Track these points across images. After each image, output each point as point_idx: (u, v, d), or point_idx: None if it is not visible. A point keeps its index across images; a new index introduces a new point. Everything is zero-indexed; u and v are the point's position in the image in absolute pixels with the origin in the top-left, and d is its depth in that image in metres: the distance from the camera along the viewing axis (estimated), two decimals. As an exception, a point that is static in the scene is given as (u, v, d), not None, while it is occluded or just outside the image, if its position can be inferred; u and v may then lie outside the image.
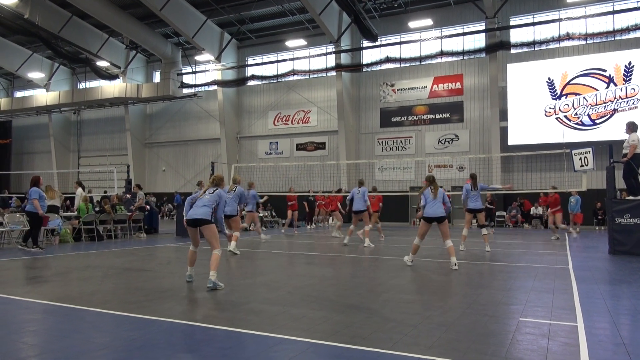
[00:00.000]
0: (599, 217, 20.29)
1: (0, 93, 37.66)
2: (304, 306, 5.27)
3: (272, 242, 13.74)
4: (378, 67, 25.87)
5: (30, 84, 35.17)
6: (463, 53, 23.74)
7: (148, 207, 16.84)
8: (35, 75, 33.22)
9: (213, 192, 6.73)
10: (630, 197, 11.01)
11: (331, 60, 26.15)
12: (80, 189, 15.22)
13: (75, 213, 14.34)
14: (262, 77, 28.01)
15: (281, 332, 4.18)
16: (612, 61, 20.96)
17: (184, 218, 6.66)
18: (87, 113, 35.27)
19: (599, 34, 21.37)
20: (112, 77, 30.83)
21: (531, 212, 21.93)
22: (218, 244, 6.57)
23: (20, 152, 37.70)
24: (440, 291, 6.38)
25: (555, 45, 22.40)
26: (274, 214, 23.86)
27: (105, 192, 21.52)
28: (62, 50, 28.95)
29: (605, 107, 20.96)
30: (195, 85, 29.79)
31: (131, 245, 12.61)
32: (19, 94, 37.31)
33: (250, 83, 28.84)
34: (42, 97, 33.40)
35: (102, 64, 30.00)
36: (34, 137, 36.88)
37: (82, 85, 34.14)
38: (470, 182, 11.30)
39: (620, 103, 20.68)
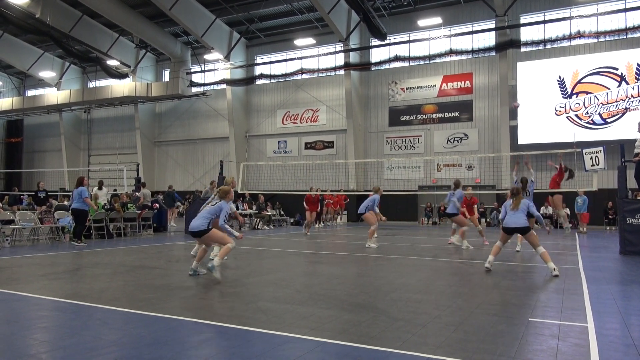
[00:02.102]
0: (610, 217, 20.09)
1: (12, 92, 38.06)
2: (311, 305, 5.27)
3: (280, 240, 13.74)
4: (387, 66, 25.79)
5: (42, 83, 35.54)
6: (472, 51, 23.59)
7: (157, 205, 16.92)
8: (47, 74, 33.54)
9: (215, 205, 7.16)
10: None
11: (340, 59, 26.11)
12: (97, 187, 15.41)
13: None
14: (270, 76, 28.04)
15: (289, 331, 4.18)
16: (624, 59, 20.73)
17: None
18: (97, 112, 35.55)
19: (611, 32, 21.13)
20: (122, 76, 31.04)
21: (540, 212, 21.74)
22: (226, 239, 6.93)
23: (31, 150, 38.10)
24: (448, 291, 6.35)
25: (566, 43, 22.19)
26: (282, 212, 23.91)
27: (115, 190, 21.66)
28: (72, 49, 29.19)
29: (616, 105, 20.74)
30: (205, 84, 29.90)
31: (140, 243, 12.69)
32: (30, 93, 37.69)
33: (259, 82, 28.89)
34: (53, 95, 33.73)
35: (112, 62, 30.21)
36: (45, 136, 37.24)
37: (92, 84, 34.40)
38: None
39: (632, 102, 20.45)
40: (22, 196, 23.30)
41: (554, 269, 7.42)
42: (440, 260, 9.51)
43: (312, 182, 23.97)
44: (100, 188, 15.64)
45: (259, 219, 20.24)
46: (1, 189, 32.36)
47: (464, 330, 4.29)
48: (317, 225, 21.57)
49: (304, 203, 17.43)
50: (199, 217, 7.05)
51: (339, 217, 24.04)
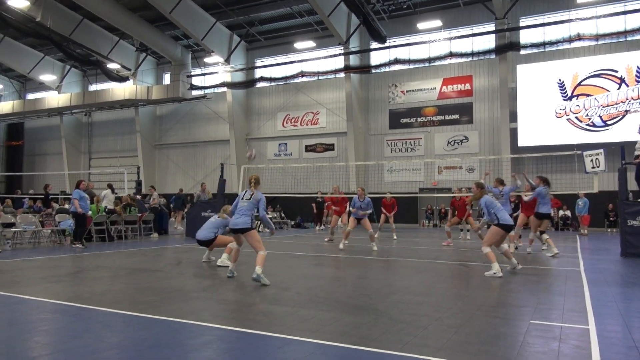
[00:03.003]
0: (611, 219, 20.08)
1: (12, 95, 38.10)
2: (312, 307, 5.27)
3: (282, 243, 13.74)
4: (387, 69, 25.81)
5: (42, 86, 35.58)
6: (472, 54, 23.61)
7: (159, 207, 16.93)
8: (47, 77, 33.59)
9: (250, 198, 7.16)
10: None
11: (340, 62, 26.14)
12: (108, 191, 15.42)
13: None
14: (271, 79, 28.07)
15: (290, 333, 4.18)
16: (624, 62, 20.75)
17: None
18: (97, 115, 35.59)
19: (610, 35, 21.16)
20: (122, 79, 31.08)
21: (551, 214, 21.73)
22: (261, 246, 7.01)
23: (32, 153, 38.12)
24: (449, 293, 6.35)
25: (566, 45, 22.21)
26: (282, 214, 23.90)
27: (115, 193, 21.64)
28: (73, 52, 29.24)
29: (616, 108, 20.75)
30: (205, 87, 29.92)
31: (141, 245, 12.69)
32: (31, 96, 37.72)
33: (259, 85, 28.92)
34: (54, 99, 33.77)
35: (112, 66, 30.24)
36: (46, 139, 37.26)
37: (93, 87, 34.46)
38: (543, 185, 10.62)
39: (632, 104, 20.46)
40: (23, 199, 23.32)
41: (497, 271, 7.54)
42: (441, 262, 9.51)
43: (313, 184, 23.96)
44: (113, 191, 15.64)
45: (259, 222, 20.20)
46: (2, 192, 32.35)
47: (465, 332, 4.29)
48: (316, 228, 21.56)
49: (331, 205, 16.63)
50: (239, 215, 7.08)
51: (339, 220, 24.01)
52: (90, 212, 13.51)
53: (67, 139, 35.02)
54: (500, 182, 11.24)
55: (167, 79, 32.44)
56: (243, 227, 7.03)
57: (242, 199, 7.23)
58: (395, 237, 15.60)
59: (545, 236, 10.81)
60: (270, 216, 21.20)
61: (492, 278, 7.43)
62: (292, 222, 23.79)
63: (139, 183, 18.36)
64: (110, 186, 15.95)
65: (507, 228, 8.09)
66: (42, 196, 17.57)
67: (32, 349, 3.78)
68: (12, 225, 12.24)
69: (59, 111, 34.39)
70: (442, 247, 12.53)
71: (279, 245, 12.92)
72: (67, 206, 14.11)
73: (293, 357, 3.58)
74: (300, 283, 7.11)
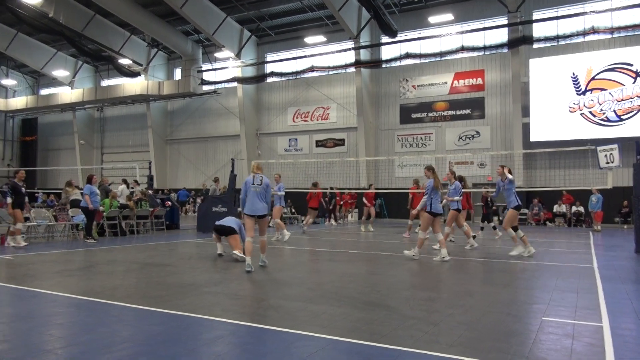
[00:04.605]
0: (627, 216, 19.81)
1: (26, 91, 38.54)
2: (323, 303, 5.28)
3: (291, 238, 13.76)
4: (398, 63, 25.65)
5: (55, 82, 35.95)
6: (484, 48, 23.37)
7: (169, 203, 17.04)
8: (60, 73, 33.91)
9: (261, 183, 7.68)
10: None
11: (350, 57, 26.03)
12: (124, 186, 15.57)
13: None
14: (281, 74, 28.04)
15: (301, 328, 4.19)
16: (639, 55, 20.41)
17: (242, 211, 7.85)
18: (109, 110, 35.88)
19: (626, 28, 20.79)
20: (134, 74, 31.27)
21: (554, 210, 21.55)
22: (266, 231, 7.91)
23: (45, 148, 38.59)
24: (461, 289, 6.32)
25: (580, 39, 21.89)
26: (293, 210, 23.95)
27: (131, 187, 21.84)
28: (85, 48, 29.49)
29: (631, 102, 20.43)
30: (216, 82, 30.01)
31: (153, 240, 12.80)
32: (44, 92, 38.13)
33: (270, 80, 28.92)
34: (67, 94, 34.11)
35: (124, 61, 30.45)
36: (59, 134, 37.68)
37: (105, 83, 34.73)
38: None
39: (648, 98, 20.13)
40: (36, 194, 23.62)
41: (445, 257, 8.71)
42: (452, 258, 9.47)
43: (324, 180, 23.92)
44: (128, 186, 15.79)
45: (270, 217, 20.24)
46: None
47: (477, 329, 4.27)
48: (326, 223, 21.56)
49: (364, 200, 17.13)
50: (258, 201, 7.59)
51: (350, 215, 24.04)
52: (103, 207, 13.67)
53: (79, 134, 35.39)
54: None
55: (178, 74, 32.58)
56: (263, 214, 7.61)
57: (254, 184, 7.62)
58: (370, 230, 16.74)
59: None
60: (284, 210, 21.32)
61: (501, 275, 7.37)
62: (303, 218, 23.81)
63: (150, 178, 18.48)
64: (124, 181, 16.11)
65: (435, 215, 9.14)
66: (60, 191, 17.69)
67: (48, 342, 3.83)
68: (26, 219, 12.40)
69: (71, 106, 34.74)
70: (451, 242, 12.42)
71: (289, 240, 12.93)
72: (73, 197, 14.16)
73: (304, 352, 3.59)
74: (311, 278, 7.13)
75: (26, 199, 11.83)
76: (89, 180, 12.40)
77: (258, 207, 7.54)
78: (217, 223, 9.45)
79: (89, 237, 12.07)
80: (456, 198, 10.80)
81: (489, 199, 14.82)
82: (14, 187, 10.99)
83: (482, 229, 15.32)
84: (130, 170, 24.73)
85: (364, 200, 17.16)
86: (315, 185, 16.08)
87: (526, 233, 10.37)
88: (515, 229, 9.83)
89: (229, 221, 9.31)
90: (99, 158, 35.87)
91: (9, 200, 10.75)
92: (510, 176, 10.05)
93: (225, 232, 9.10)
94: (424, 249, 9.74)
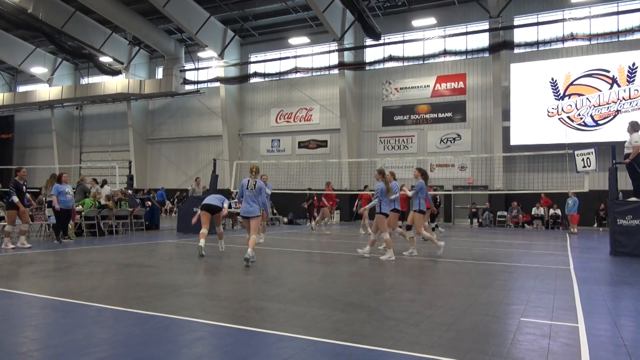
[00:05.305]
0: (602, 218, 20.26)
1: (3, 87, 37.71)
2: (304, 304, 5.27)
3: (273, 239, 13.73)
4: (381, 66, 25.82)
5: (33, 79, 35.24)
6: (466, 52, 23.67)
7: (150, 203, 16.83)
8: (38, 70, 33.26)
9: (254, 187, 8.42)
10: (633, 199, 10.97)
11: (334, 58, 26.11)
12: (106, 187, 15.41)
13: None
14: (264, 75, 27.97)
15: (282, 330, 4.18)
16: (616, 62, 20.90)
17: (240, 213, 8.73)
18: (89, 108, 35.32)
19: (603, 35, 21.29)
20: (114, 72, 30.85)
21: (532, 213, 21.90)
22: (257, 230, 8.60)
23: (22, 146, 37.78)
24: (441, 290, 6.38)
25: (559, 45, 22.34)
26: (275, 211, 23.85)
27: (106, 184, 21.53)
28: (65, 45, 28.97)
29: (608, 108, 20.91)
30: (198, 82, 29.78)
31: (132, 241, 12.62)
32: (21, 89, 37.36)
33: (253, 80, 28.81)
34: (45, 92, 33.44)
35: (105, 59, 30.00)
36: (37, 132, 36.94)
37: (84, 81, 34.17)
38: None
39: (624, 104, 20.62)
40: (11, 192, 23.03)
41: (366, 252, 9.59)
42: (432, 259, 9.54)
43: (306, 181, 23.93)
44: (102, 186, 15.63)
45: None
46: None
47: (456, 329, 4.31)
48: (308, 224, 21.53)
49: (323, 199, 17.33)
50: (250, 202, 8.40)
51: (332, 217, 24.06)
52: (82, 207, 13.43)
53: (58, 132, 34.77)
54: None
55: (160, 73, 32.25)
56: (255, 215, 8.42)
57: (247, 188, 8.39)
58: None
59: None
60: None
61: (480, 276, 7.46)
62: (285, 219, 23.76)
63: (130, 178, 18.24)
64: (105, 182, 16.08)
65: (386, 215, 9.48)
66: (38, 190, 17.32)
67: (22, 344, 3.74)
68: (1, 219, 12.11)
69: (50, 104, 34.10)
70: (424, 243, 12.27)
71: (271, 241, 12.89)
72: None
73: (285, 354, 3.57)
74: (292, 279, 7.11)
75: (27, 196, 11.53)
76: (59, 180, 11.95)
77: (249, 209, 8.38)
78: (204, 202, 9.87)
79: (62, 238, 11.69)
80: (392, 197, 9.97)
81: (437, 199, 15.69)
82: (16, 186, 10.71)
83: (433, 229, 15.15)
84: (109, 170, 24.37)
85: (323, 200, 17.37)
86: (328, 184, 17.10)
87: (505, 235, 10.51)
88: (409, 228, 10.67)
89: (213, 199, 9.84)
90: (77, 157, 35.26)
91: (16, 199, 10.45)
92: (420, 180, 10.15)
93: (214, 210, 9.67)
94: (397, 250, 9.80)
